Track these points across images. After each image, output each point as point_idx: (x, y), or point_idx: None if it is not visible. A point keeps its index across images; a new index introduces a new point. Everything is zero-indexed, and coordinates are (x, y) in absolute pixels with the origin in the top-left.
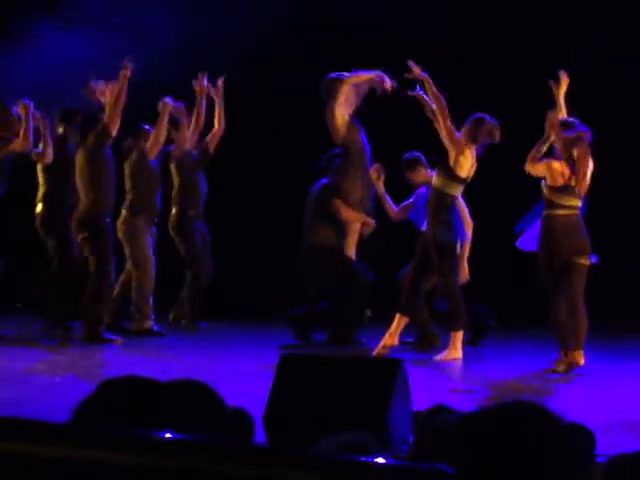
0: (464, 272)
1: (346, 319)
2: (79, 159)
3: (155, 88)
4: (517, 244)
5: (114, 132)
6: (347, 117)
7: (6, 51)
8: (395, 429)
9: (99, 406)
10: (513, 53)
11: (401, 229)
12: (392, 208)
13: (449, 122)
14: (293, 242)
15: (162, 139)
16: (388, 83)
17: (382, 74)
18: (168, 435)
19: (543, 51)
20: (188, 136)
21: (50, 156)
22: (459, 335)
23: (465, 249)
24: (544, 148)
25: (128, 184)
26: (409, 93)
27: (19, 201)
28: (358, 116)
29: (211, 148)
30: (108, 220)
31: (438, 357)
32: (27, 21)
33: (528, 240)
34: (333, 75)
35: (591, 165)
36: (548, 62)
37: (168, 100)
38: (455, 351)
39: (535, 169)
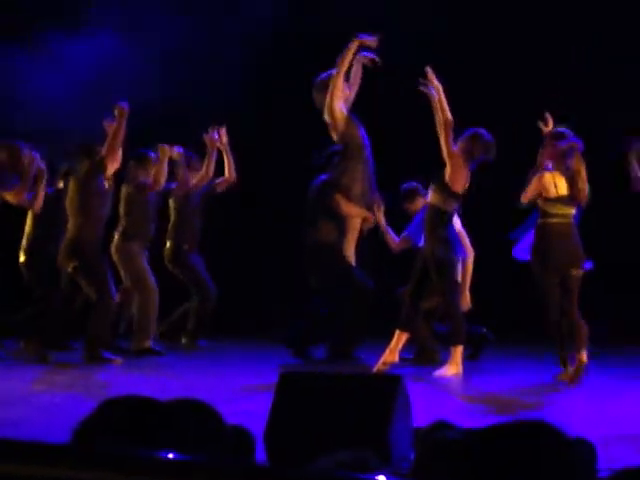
0: (466, 300)
1: (346, 329)
2: (71, 188)
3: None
4: (513, 253)
5: (110, 167)
6: (345, 113)
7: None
8: (396, 446)
9: (99, 426)
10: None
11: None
12: (394, 240)
13: (450, 136)
14: (293, 261)
15: (162, 180)
16: (370, 40)
17: (360, 37)
18: (169, 455)
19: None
20: (190, 180)
21: (40, 206)
22: (459, 350)
23: (467, 277)
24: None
25: (123, 209)
26: (421, 88)
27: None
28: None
29: (218, 189)
30: (97, 248)
31: (438, 373)
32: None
33: (523, 249)
34: (323, 75)
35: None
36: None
37: (177, 149)
38: (455, 366)
39: (530, 195)
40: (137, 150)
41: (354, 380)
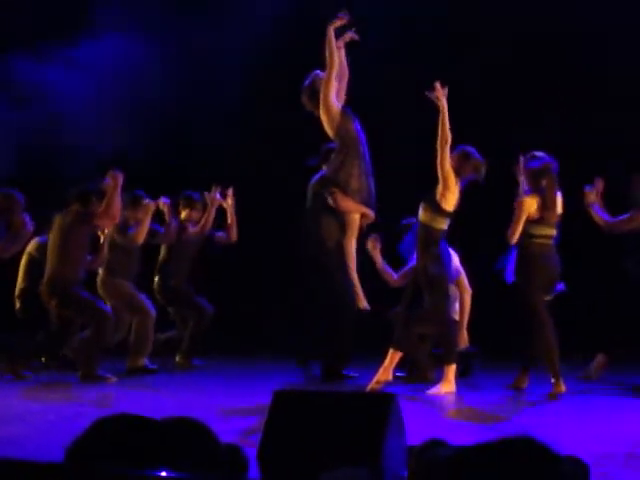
0: (463, 338)
1: (336, 346)
2: (55, 227)
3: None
4: (506, 279)
5: (105, 225)
6: (339, 106)
7: None
8: (389, 463)
9: (93, 444)
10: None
11: (391, 263)
12: (392, 276)
13: (446, 154)
14: (291, 281)
15: (143, 237)
16: (341, 18)
17: (333, 20)
18: (163, 473)
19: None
20: (174, 233)
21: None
22: (452, 368)
23: (464, 316)
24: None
25: (108, 244)
26: (427, 94)
27: None
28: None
29: (215, 240)
30: (76, 284)
31: (431, 391)
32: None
33: (511, 272)
34: (308, 78)
35: (559, 195)
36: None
37: (164, 200)
38: (448, 384)
39: (517, 231)
40: (131, 193)
41: (348, 398)
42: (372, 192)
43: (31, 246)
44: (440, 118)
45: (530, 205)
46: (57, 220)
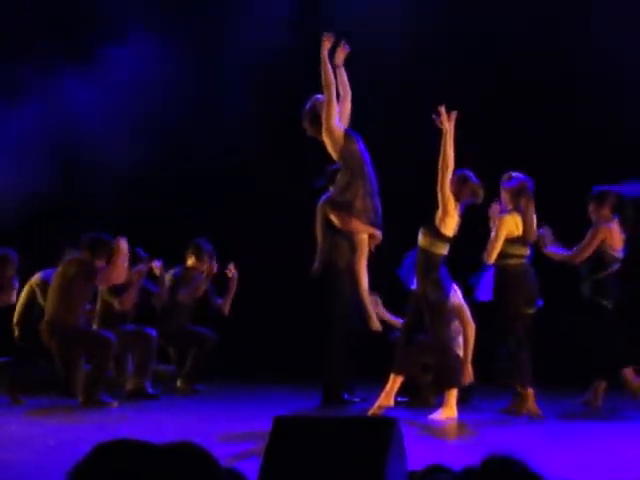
0: (468, 373)
1: (336, 371)
2: (59, 276)
3: None
4: (475, 296)
5: (108, 283)
6: (341, 128)
7: None
8: None
9: (94, 469)
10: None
11: (391, 288)
12: (398, 323)
13: (447, 179)
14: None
15: (134, 296)
16: (327, 37)
17: (323, 40)
18: None
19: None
20: (164, 296)
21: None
22: (453, 393)
23: (468, 351)
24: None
25: (100, 296)
26: (434, 117)
27: None
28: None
29: (212, 302)
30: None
31: (433, 416)
32: None
33: (484, 291)
34: (308, 103)
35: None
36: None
37: (157, 263)
38: (450, 410)
39: (497, 247)
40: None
41: (349, 423)
42: (379, 212)
43: (34, 279)
44: (443, 142)
45: (511, 223)
46: (64, 267)
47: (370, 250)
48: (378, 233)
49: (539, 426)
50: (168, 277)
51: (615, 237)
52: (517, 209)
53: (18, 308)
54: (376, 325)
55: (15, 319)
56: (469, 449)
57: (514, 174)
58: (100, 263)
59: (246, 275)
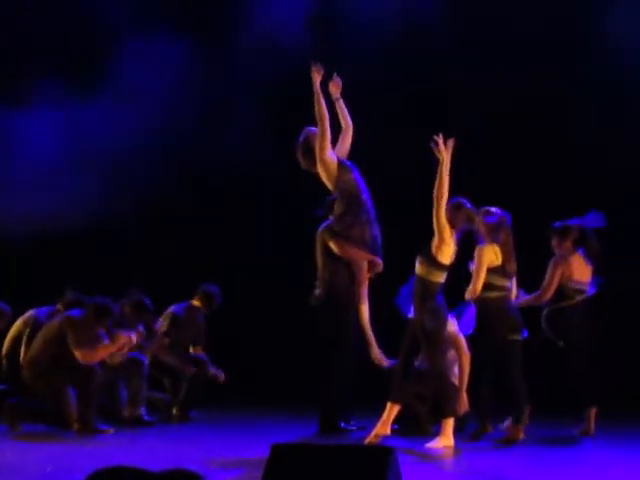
0: (463, 402)
1: (334, 400)
2: (52, 328)
3: None
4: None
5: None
6: (335, 159)
7: None
8: None
9: None
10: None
11: (388, 316)
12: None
13: (442, 208)
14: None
15: (102, 357)
16: (315, 69)
17: (313, 72)
18: None
19: None
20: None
21: None
22: (450, 422)
23: (463, 379)
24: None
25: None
26: (432, 145)
27: None
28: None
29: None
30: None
31: (429, 445)
32: None
33: (465, 324)
34: (301, 136)
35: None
36: None
37: (138, 328)
38: (446, 438)
39: (481, 278)
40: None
41: (346, 452)
42: (377, 239)
43: (27, 316)
44: (439, 171)
45: (491, 252)
46: (61, 322)
47: (370, 278)
48: (378, 260)
49: (535, 455)
50: (168, 315)
51: (577, 269)
52: (495, 240)
53: (7, 342)
54: (376, 353)
55: (4, 351)
56: (466, 478)
57: (492, 209)
58: (101, 329)
59: (245, 302)
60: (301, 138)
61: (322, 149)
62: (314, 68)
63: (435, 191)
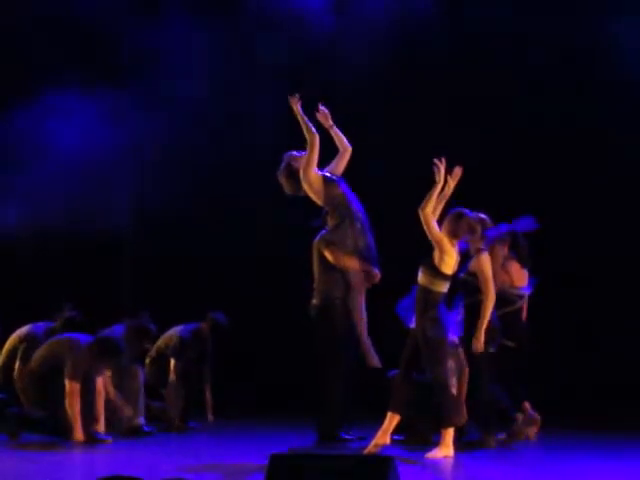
0: (463, 413)
1: (333, 410)
2: (55, 351)
3: None
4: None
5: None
6: (319, 174)
7: None
8: None
9: None
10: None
11: (389, 326)
12: None
13: (431, 225)
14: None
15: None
16: (296, 99)
17: (291, 102)
18: None
19: None
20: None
21: None
22: (450, 432)
23: (462, 391)
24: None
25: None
26: (434, 167)
27: None
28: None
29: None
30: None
31: (429, 454)
32: None
33: (454, 326)
34: (283, 161)
35: None
36: None
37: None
38: (446, 448)
39: (492, 283)
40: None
41: (345, 461)
42: (371, 249)
43: (25, 330)
44: (430, 192)
45: (489, 261)
46: (66, 352)
47: (368, 287)
48: (374, 271)
49: (535, 464)
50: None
51: (515, 274)
52: (487, 251)
53: (3, 355)
54: (375, 362)
55: None
56: None
57: (483, 215)
58: (102, 367)
59: (242, 312)
60: (283, 164)
61: (306, 168)
62: (290, 99)
63: (421, 206)
